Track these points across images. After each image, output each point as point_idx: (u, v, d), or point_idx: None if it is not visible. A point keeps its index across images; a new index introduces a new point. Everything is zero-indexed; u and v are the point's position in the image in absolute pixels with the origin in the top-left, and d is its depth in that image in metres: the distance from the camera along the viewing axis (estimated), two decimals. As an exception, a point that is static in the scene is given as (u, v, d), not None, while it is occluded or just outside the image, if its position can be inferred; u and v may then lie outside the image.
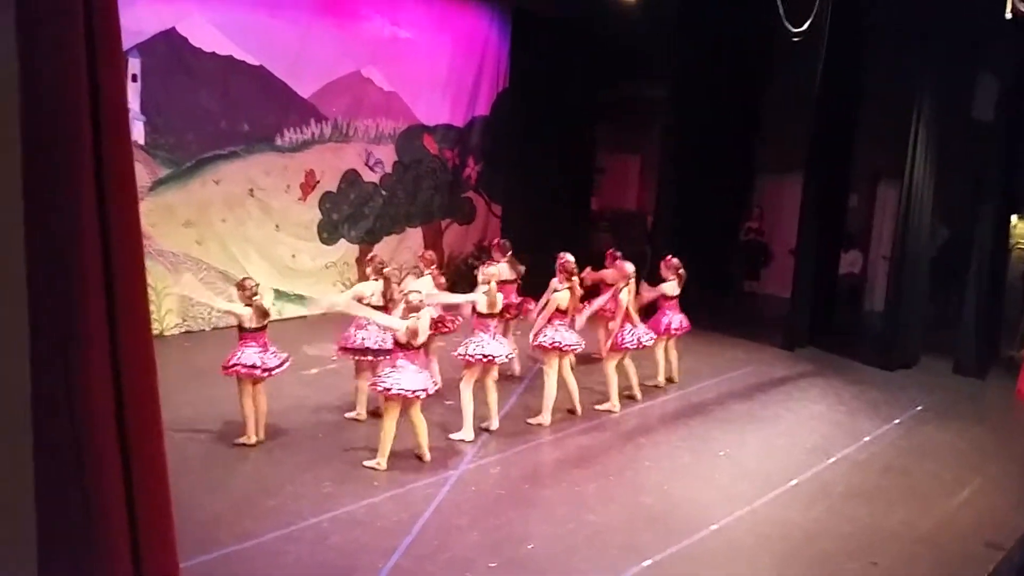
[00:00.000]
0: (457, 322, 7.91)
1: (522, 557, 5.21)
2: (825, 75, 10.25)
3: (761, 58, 12.32)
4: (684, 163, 11.75)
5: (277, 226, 10.47)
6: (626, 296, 7.72)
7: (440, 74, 11.95)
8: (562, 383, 7.45)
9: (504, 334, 7.93)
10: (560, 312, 7.37)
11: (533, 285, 8.42)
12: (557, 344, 7.29)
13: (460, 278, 11.39)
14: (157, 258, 9.15)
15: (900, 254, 10.03)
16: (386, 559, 5.03)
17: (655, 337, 8.17)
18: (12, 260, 2.97)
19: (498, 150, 12.69)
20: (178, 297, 9.24)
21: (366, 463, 6.32)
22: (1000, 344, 10.40)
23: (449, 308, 7.76)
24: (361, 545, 5.21)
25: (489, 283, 6.96)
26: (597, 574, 5.07)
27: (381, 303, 6.96)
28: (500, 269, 7.72)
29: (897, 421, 8.11)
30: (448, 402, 7.47)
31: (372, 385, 6.40)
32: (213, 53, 9.50)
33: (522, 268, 8.45)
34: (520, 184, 12.54)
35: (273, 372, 6.56)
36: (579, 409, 7.69)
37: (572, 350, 7.45)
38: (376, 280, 7.11)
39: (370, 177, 11.41)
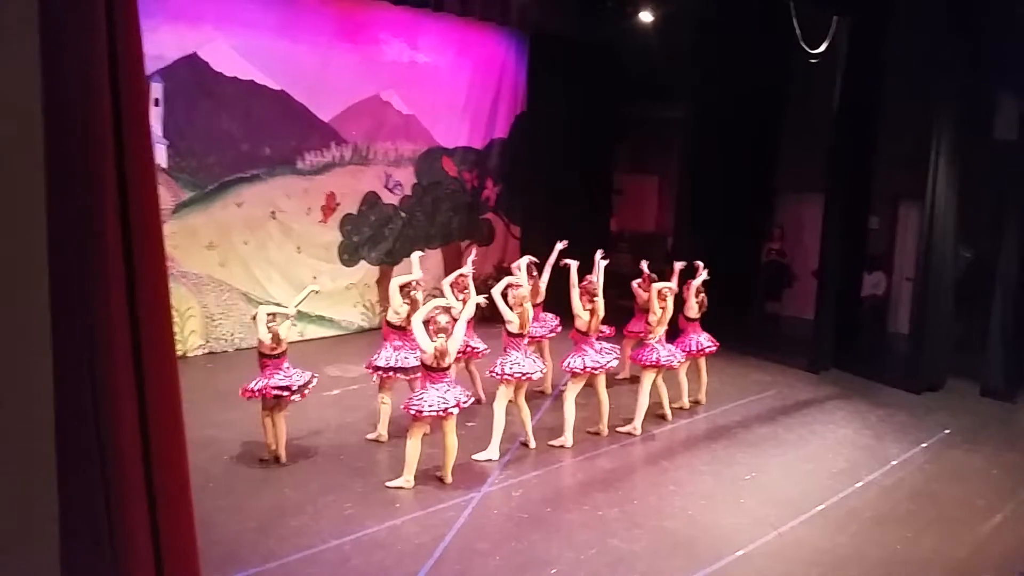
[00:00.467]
0: (486, 350, 8.02)
1: (545, 582, 5.14)
2: (843, 95, 10.21)
3: (780, 78, 12.30)
4: (703, 184, 11.72)
5: (298, 248, 10.54)
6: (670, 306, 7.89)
7: (459, 97, 12.05)
8: (596, 401, 7.56)
9: (540, 354, 8.26)
10: (582, 335, 7.37)
11: (552, 306, 8.64)
12: (589, 368, 7.30)
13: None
14: (180, 279, 9.26)
15: (924, 276, 9.91)
16: (408, 583, 4.99)
17: (683, 360, 8.21)
18: (36, 276, 2.99)
19: (516, 172, 12.74)
20: (201, 318, 9.24)
21: (389, 484, 6.31)
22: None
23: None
24: (383, 569, 5.17)
25: (522, 305, 7.07)
26: (622, 600, 5.00)
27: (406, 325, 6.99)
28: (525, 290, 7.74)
29: (924, 445, 7.96)
30: (470, 423, 7.44)
31: (404, 406, 6.42)
32: (235, 78, 9.63)
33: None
34: (539, 206, 12.56)
35: (294, 395, 6.56)
36: (606, 430, 7.65)
37: (602, 370, 7.46)
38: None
39: (390, 199, 11.49)
